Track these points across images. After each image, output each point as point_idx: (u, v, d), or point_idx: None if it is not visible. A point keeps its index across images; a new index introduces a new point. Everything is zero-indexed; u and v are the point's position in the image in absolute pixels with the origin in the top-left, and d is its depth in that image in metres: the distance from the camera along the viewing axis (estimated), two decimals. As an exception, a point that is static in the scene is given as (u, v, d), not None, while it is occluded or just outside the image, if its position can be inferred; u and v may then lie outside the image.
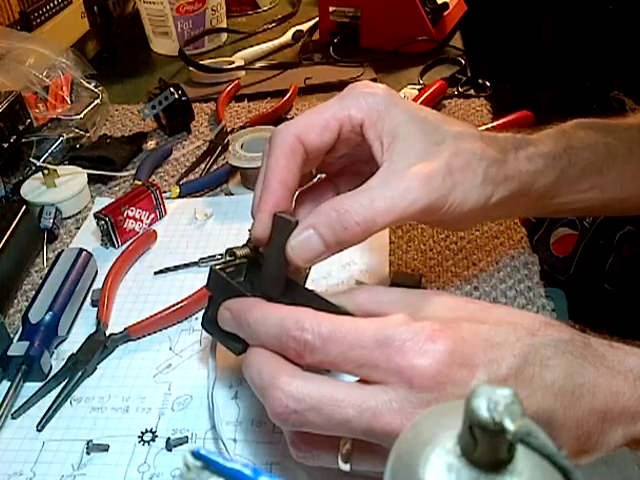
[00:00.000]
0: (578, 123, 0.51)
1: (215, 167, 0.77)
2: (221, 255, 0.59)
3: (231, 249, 0.44)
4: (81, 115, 0.80)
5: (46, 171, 0.70)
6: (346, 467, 0.36)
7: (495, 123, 0.78)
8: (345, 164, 0.47)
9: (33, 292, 0.57)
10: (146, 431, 0.46)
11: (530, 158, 0.46)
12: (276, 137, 0.42)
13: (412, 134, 0.42)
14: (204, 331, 0.46)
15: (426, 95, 0.83)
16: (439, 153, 0.42)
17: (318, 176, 0.49)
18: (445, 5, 1.02)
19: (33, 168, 0.73)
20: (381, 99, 0.43)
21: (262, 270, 0.42)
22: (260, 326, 0.38)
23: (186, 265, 0.61)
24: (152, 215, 0.67)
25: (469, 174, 0.43)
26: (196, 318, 0.55)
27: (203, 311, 0.46)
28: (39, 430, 0.47)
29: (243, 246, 0.45)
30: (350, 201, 0.40)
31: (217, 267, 0.43)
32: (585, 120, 0.52)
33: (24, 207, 0.64)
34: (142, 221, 0.66)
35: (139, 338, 0.54)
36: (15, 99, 0.72)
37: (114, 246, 0.64)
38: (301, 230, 0.40)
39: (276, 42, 1.05)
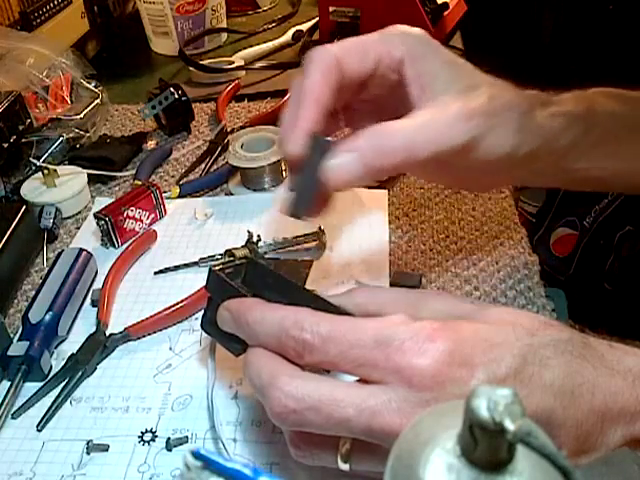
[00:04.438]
0: (597, 91, 0.51)
1: (215, 167, 0.77)
2: (221, 255, 0.59)
3: (230, 250, 0.44)
4: (81, 115, 0.80)
5: (46, 171, 0.70)
6: (345, 467, 0.36)
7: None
8: (372, 117, 0.47)
9: (33, 292, 0.57)
10: (146, 431, 0.46)
11: (554, 115, 0.46)
12: (314, 55, 0.42)
13: (450, 76, 0.43)
14: (203, 332, 0.46)
15: (426, 95, 0.83)
16: (479, 95, 0.42)
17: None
18: (445, 5, 1.02)
19: (33, 168, 0.73)
20: (421, 40, 0.43)
21: (292, 194, 0.41)
22: (259, 326, 0.38)
23: (186, 265, 0.61)
24: (152, 215, 0.67)
25: (507, 118, 0.43)
26: (196, 318, 0.55)
27: (202, 312, 0.46)
28: (39, 430, 0.47)
29: (242, 247, 0.45)
30: (395, 127, 0.40)
31: (216, 268, 0.43)
32: (604, 89, 0.51)
33: (24, 207, 0.64)
34: (142, 221, 0.66)
35: (139, 338, 0.54)
36: (15, 99, 0.72)
37: (114, 246, 0.64)
38: (342, 150, 0.40)
39: (276, 42, 1.05)
